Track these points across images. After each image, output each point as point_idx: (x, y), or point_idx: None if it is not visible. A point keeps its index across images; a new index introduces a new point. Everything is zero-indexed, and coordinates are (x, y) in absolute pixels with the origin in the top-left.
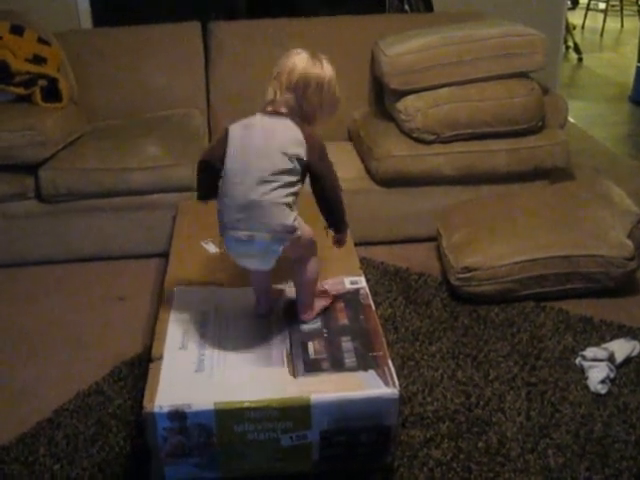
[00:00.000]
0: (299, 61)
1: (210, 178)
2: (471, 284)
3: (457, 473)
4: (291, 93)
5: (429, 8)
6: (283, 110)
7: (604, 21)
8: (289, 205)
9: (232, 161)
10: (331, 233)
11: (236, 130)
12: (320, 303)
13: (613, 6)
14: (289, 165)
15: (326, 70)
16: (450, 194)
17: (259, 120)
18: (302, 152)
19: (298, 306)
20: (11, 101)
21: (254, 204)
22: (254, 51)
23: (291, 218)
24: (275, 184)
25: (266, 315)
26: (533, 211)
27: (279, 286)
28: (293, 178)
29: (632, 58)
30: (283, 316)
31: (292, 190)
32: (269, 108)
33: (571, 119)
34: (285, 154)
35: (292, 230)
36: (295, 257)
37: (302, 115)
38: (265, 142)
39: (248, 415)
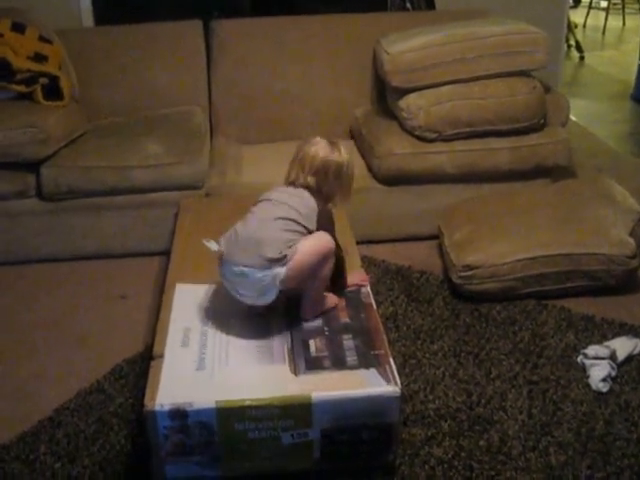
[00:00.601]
0: (320, 149)
1: None
2: (473, 282)
3: (458, 471)
4: (312, 177)
5: (431, 6)
6: (305, 183)
7: (606, 19)
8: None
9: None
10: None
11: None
12: (326, 304)
13: (615, 4)
14: (295, 226)
15: (344, 156)
16: (452, 192)
17: (281, 187)
18: (312, 224)
19: (303, 304)
20: (12, 99)
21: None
22: (256, 49)
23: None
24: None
25: (263, 314)
26: (535, 209)
27: None
28: (294, 235)
29: (634, 56)
30: (284, 314)
31: (293, 237)
32: (290, 179)
33: (573, 117)
34: (295, 219)
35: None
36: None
37: (321, 195)
38: (283, 199)
39: (249, 413)
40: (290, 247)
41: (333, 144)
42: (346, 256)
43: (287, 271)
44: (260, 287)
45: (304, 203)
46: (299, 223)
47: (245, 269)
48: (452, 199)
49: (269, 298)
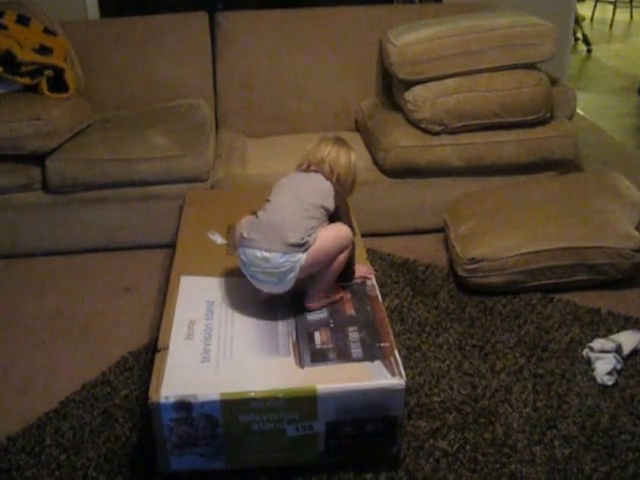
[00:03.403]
0: (332, 148)
1: None
2: (478, 275)
3: (463, 464)
4: (321, 170)
5: None
6: (316, 170)
7: (613, 13)
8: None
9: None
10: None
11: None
12: (332, 297)
13: None
14: (315, 211)
15: (351, 155)
16: (457, 185)
17: (294, 174)
18: (330, 203)
19: (309, 292)
20: (17, 91)
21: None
22: (261, 41)
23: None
24: (300, 212)
25: (267, 300)
26: (541, 202)
27: None
28: (315, 221)
29: None
30: (289, 306)
31: (314, 224)
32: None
33: (580, 111)
34: (313, 203)
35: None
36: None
37: (331, 181)
38: (299, 184)
39: (254, 405)
40: (311, 235)
41: (343, 142)
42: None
43: (307, 257)
44: (280, 272)
45: (320, 185)
46: (318, 206)
47: (268, 254)
48: (458, 192)
49: (288, 285)
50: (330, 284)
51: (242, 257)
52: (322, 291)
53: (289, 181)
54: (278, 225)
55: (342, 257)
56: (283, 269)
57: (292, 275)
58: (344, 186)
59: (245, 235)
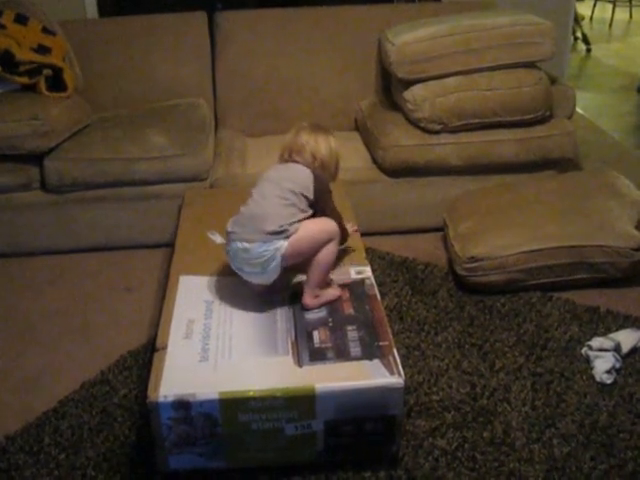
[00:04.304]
0: (310, 136)
1: None
2: (477, 274)
3: (462, 463)
4: (302, 159)
5: None
6: (297, 159)
7: (613, 12)
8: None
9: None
10: None
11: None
12: (327, 295)
13: None
14: (294, 198)
15: (330, 140)
16: (457, 184)
17: (275, 166)
18: (310, 191)
19: (305, 289)
20: (16, 91)
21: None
22: (260, 40)
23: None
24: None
25: (262, 294)
26: (540, 201)
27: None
28: (295, 209)
29: None
30: (288, 305)
31: (293, 211)
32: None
33: (579, 110)
34: (292, 190)
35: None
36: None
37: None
38: (278, 174)
39: (252, 404)
40: (292, 224)
41: (318, 131)
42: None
43: (289, 245)
44: (262, 262)
45: (298, 173)
46: (297, 193)
47: (248, 245)
48: (457, 191)
49: (272, 274)
50: (322, 280)
51: (229, 252)
52: (315, 287)
53: (270, 173)
54: (258, 215)
55: (330, 252)
56: (264, 258)
57: (274, 264)
58: (329, 171)
59: (229, 229)
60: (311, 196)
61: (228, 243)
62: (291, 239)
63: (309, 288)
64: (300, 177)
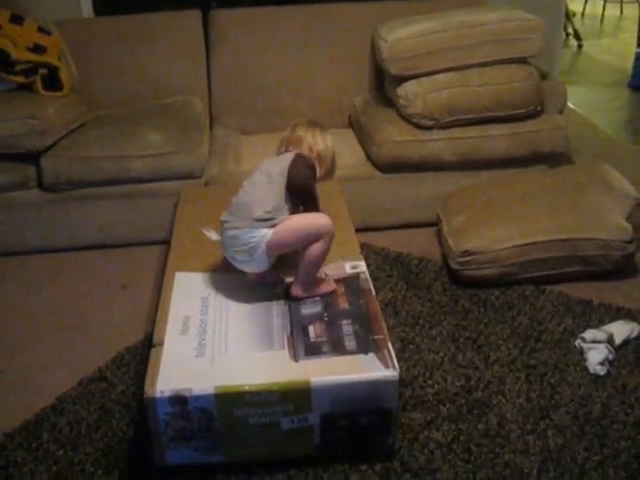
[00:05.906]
0: (307, 131)
1: None
2: (471, 268)
3: (457, 455)
4: (298, 150)
5: None
6: (290, 149)
7: (604, 8)
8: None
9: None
10: None
11: None
12: (320, 289)
13: None
14: (276, 180)
15: (327, 135)
16: (450, 179)
17: (268, 158)
18: (284, 173)
19: (295, 280)
20: (11, 90)
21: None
22: (254, 38)
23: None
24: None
25: (257, 284)
26: (532, 195)
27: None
28: (275, 185)
29: (631, 44)
30: (284, 300)
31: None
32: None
33: (571, 105)
34: (280, 173)
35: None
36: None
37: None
38: (268, 164)
39: (249, 399)
40: (279, 212)
41: (314, 126)
42: (345, 243)
43: (273, 233)
44: (248, 249)
45: (285, 160)
46: (275, 175)
47: (237, 231)
48: (450, 186)
49: (261, 262)
50: (311, 275)
51: (222, 241)
52: (304, 280)
53: (262, 164)
54: (246, 203)
55: (319, 248)
56: (250, 245)
57: (260, 251)
58: (325, 166)
59: (222, 219)
60: (284, 179)
61: (222, 233)
62: (276, 228)
63: (297, 280)
64: (283, 160)
